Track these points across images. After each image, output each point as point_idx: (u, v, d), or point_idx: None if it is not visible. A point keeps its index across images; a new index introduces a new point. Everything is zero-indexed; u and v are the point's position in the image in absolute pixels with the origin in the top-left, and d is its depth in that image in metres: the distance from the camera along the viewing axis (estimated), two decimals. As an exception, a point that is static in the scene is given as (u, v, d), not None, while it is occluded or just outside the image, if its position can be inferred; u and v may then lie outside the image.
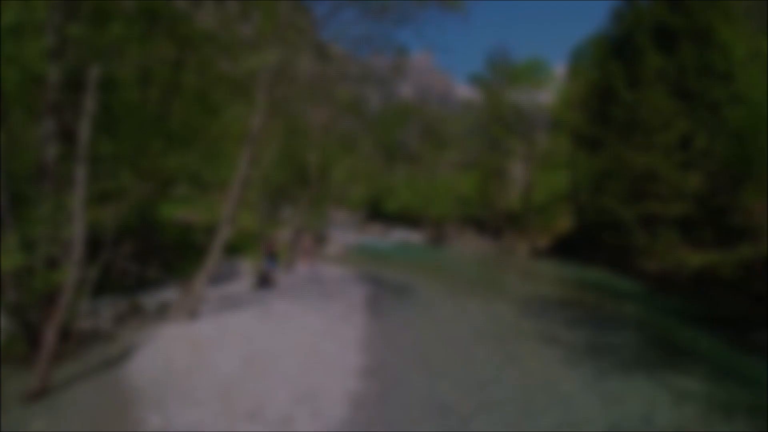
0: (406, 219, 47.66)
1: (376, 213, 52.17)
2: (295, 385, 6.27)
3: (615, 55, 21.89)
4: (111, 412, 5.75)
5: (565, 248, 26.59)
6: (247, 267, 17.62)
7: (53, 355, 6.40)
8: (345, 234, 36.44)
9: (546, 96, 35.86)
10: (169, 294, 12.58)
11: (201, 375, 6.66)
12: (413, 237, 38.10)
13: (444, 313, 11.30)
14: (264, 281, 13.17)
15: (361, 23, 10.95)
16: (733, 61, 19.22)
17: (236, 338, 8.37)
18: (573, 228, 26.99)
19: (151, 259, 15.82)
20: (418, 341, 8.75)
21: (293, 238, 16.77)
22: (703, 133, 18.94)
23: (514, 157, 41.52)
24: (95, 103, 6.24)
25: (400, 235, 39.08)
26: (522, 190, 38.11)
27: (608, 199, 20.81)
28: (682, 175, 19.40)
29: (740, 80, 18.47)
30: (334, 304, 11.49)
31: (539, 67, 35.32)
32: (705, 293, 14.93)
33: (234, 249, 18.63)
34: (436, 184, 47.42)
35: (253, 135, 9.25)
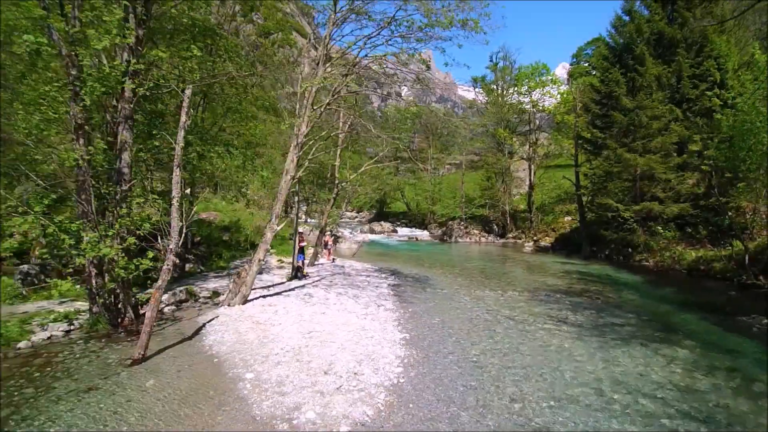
0: (413, 218, 49.11)
1: (382, 212, 53.56)
2: (353, 352, 7.59)
3: (615, 63, 23.26)
4: (207, 371, 7.05)
5: (567, 245, 27.91)
6: (274, 261, 18.98)
7: (151, 329, 7.73)
8: (354, 233, 37.82)
9: (548, 97, 37.15)
10: (212, 284, 13.92)
11: (271, 345, 7.98)
12: (420, 235, 39.37)
13: (462, 299, 12.64)
14: (298, 273, 14.49)
15: (391, 44, 12.25)
16: (725, 69, 20.54)
17: (289, 318, 9.70)
18: (576, 225, 28.31)
19: (188, 254, 17.21)
20: (445, 321, 10.07)
21: (318, 235, 18.05)
22: (698, 138, 20.29)
23: (518, 157, 42.83)
24: (188, 117, 7.52)
25: (407, 234, 40.35)
26: (526, 190, 39.46)
27: (609, 198, 22.15)
28: (679, 177, 20.76)
29: (732, 88, 19.77)
30: (365, 292, 12.83)
31: (541, 71, 36.60)
32: (698, 284, 16.23)
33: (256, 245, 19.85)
34: (441, 184, 48.85)
35: (299, 141, 10.56)
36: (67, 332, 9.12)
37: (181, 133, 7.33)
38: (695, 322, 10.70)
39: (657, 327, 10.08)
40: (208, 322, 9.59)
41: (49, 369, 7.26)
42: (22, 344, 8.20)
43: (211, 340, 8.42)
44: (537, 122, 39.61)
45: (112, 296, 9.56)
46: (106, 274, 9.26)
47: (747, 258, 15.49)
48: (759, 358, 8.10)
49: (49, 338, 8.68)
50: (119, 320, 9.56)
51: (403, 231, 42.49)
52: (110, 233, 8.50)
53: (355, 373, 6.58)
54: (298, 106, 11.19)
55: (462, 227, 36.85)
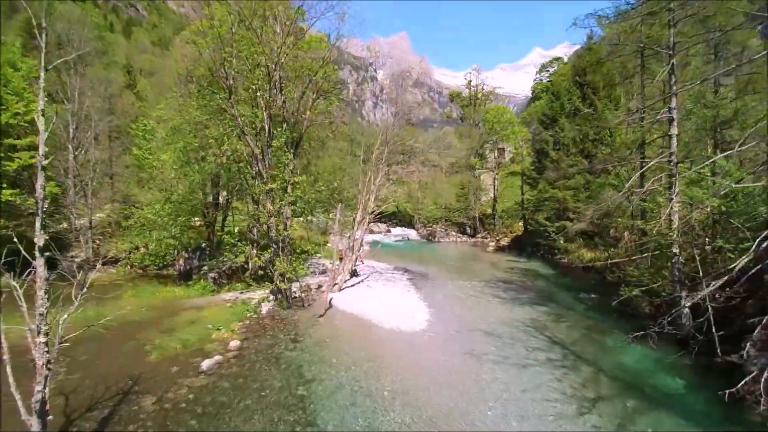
0: (401, 218, 59.93)
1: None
2: (409, 309, 18.42)
3: (546, 127, 34.44)
4: (353, 319, 17.72)
5: (519, 245, 39.38)
6: (327, 263, 29.45)
7: (325, 300, 18.27)
8: (358, 233, 48.52)
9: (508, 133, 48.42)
10: (307, 280, 24.33)
11: (371, 307, 18.67)
12: (410, 234, 50.33)
13: (449, 286, 23.69)
14: (354, 274, 25.11)
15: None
16: (614, 134, 31.89)
17: (370, 297, 20.43)
18: (523, 233, 39.81)
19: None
20: (443, 297, 21.05)
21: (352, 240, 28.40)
22: (596, 181, 31.64)
23: (486, 170, 54.09)
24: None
25: (400, 233, 51.21)
26: (491, 199, 50.83)
27: (542, 217, 33.50)
28: (584, 206, 32.15)
29: (618, 149, 31.07)
30: (397, 284, 23.67)
31: (504, 111, 47.67)
32: (584, 276, 27.68)
33: (307, 252, 30.35)
34: (426, 190, 59.69)
35: (368, 212, 21.09)
36: (271, 308, 19.51)
37: (358, 228, 17.83)
38: (563, 296, 21.97)
39: (542, 298, 21.30)
40: (331, 299, 20.17)
41: (285, 322, 17.61)
42: (263, 311, 18.60)
43: (342, 307, 19.10)
44: (498, 149, 50.86)
45: (284, 288, 20.01)
46: (284, 278, 19.71)
47: (609, 260, 26.99)
48: (576, 309, 19.30)
49: (267, 310, 19.06)
50: (288, 302, 20.01)
51: (396, 231, 53.34)
52: (287, 259, 18.94)
53: (413, 316, 17.47)
54: (365, 190, 21.72)
55: (443, 230, 47.99)
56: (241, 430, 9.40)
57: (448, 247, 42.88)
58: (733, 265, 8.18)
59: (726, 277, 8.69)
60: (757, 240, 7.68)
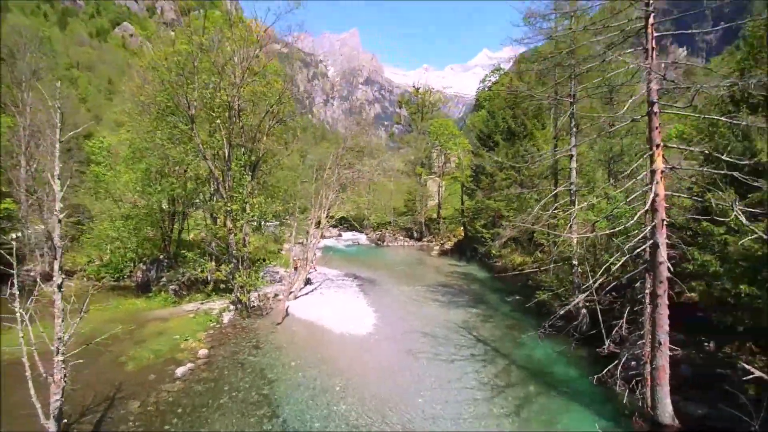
0: (351, 224, 62.19)
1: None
2: (358, 313, 20.90)
3: (483, 144, 38.12)
4: (308, 325, 19.95)
5: (460, 250, 42.96)
6: (283, 271, 31.29)
7: (282, 308, 20.31)
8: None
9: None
10: (266, 289, 26.14)
11: (324, 314, 20.98)
12: (360, 238, 52.82)
13: (394, 291, 26.41)
14: (308, 281, 27.21)
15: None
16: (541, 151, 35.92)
17: (323, 303, 22.70)
18: (463, 238, 43.50)
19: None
20: (389, 301, 23.70)
21: (306, 251, 30.53)
22: (523, 194, 35.61)
23: (432, 176, 57.57)
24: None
25: (350, 238, 53.55)
26: (436, 204, 54.36)
27: (479, 224, 37.12)
28: (515, 215, 36.03)
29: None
30: (348, 290, 26.06)
31: (447, 124, 51.22)
32: (513, 279, 31.35)
33: (264, 260, 32.13)
34: (372, 197, 62.29)
35: (322, 226, 23.26)
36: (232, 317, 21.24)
37: (311, 240, 19.93)
38: (493, 298, 25.30)
39: (475, 301, 24.48)
40: (287, 307, 22.21)
41: (246, 330, 19.50)
42: (224, 320, 20.33)
43: (298, 314, 21.22)
44: (444, 156, 54.55)
45: (244, 300, 21.80)
46: (244, 290, 21.52)
47: (530, 266, 30.82)
48: (502, 310, 22.56)
49: (229, 319, 20.79)
50: (247, 311, 21.81)
51: (347, 235, 55.64)
52: (247, 272, 20.82)
53: (362, 321, 19.94)
54: (318, 206, 23.89)
55: (391, 234, 50.87)
56: (217, 425, 11.48)
57: (396, 251, 45.82)
58: (592, 281, 11.27)
59: (587, 292, 11.82)
60: (603, 267, 10.77)
